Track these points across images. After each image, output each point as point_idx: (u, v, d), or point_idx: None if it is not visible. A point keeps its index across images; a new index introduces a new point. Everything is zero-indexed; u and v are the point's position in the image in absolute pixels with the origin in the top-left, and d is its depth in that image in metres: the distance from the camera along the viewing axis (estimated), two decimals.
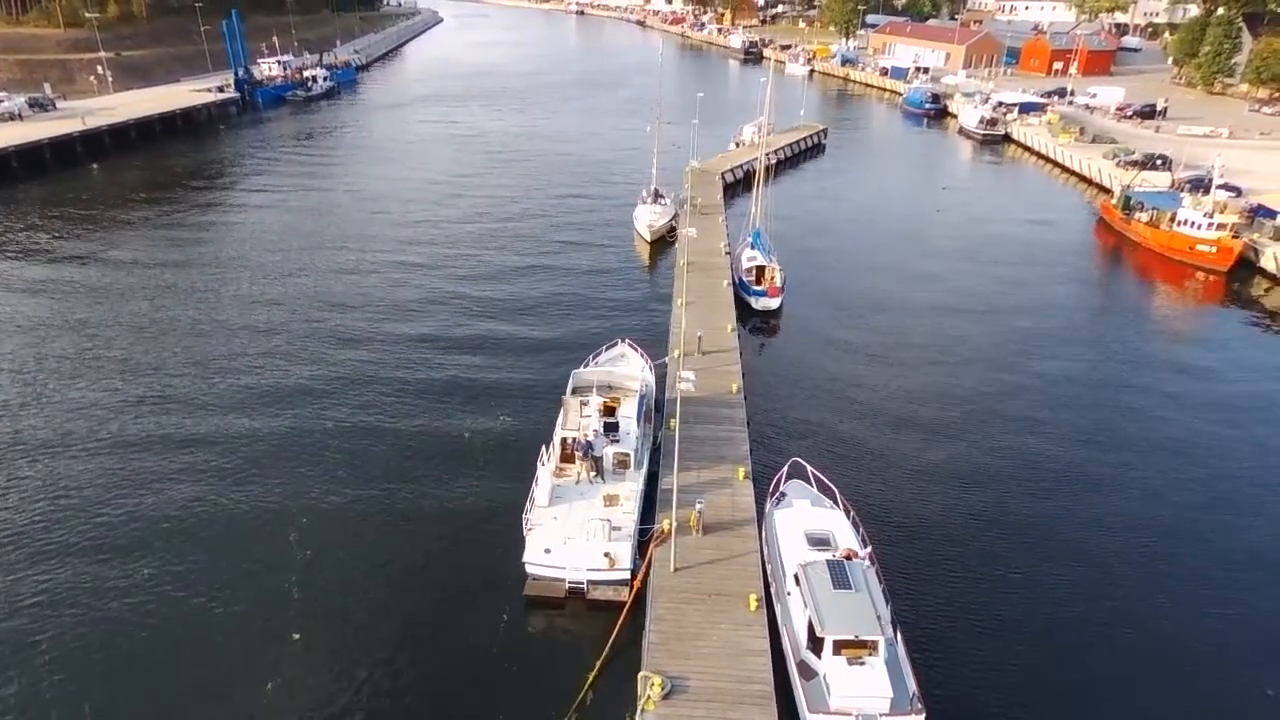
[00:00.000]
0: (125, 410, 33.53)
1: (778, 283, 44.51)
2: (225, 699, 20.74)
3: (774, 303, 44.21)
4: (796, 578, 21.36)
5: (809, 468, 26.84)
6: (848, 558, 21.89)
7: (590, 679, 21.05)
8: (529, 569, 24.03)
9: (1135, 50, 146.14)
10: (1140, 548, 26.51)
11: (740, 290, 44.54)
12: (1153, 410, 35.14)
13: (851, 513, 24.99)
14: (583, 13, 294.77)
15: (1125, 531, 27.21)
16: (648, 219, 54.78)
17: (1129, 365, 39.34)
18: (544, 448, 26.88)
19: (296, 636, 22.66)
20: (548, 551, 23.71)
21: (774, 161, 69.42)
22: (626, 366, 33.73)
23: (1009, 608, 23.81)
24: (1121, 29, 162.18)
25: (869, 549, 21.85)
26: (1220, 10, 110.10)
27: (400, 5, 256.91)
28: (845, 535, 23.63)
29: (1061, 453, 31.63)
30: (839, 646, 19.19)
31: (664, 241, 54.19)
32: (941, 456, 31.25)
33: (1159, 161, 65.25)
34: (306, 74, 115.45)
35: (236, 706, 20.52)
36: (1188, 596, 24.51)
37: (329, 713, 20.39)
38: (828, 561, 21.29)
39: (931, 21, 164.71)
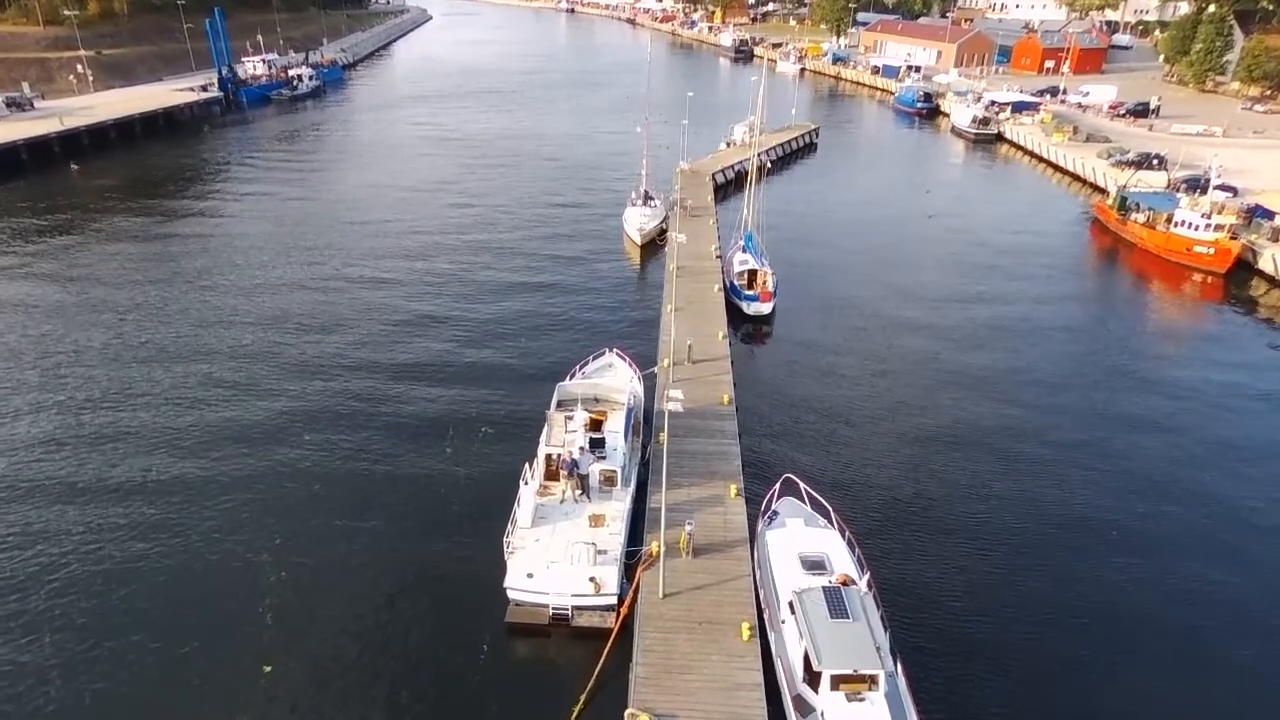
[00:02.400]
0: (88, 429, 32.23)
1: (770, 287, 43.50)
2: None
3: (766, 308, 43.19)
4: (791, 605, 20.34)
5: (802, 484, 25.84)
6: (844, 583, 20.89)
7: (575, 713, 20.00)
8: (511, 594, 22.96)
9: (1126, 48, 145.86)
10: (1150, 566, 25.56)
11: (731, 295, 43.52)
12: (1153, 416, 34.28)
13: (847, 532, 24.02)
14: (573, 11, 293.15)
15: (1134, 550, 26.23)
16: (638, 222, 53.74)
17: (1128, 370, 38.49)
18: (527, 465, 25.77)
19: (268, 669, 21.50)
20: (530, 576, 22.64)
21: (765, 162, 68.46)
22: (614, 377, 32.65)
23: (1016, 635, 22.79)
24: (1112, 27, 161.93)
25: (867, 575, 20.83)
26: (1211, 8, 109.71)
27: (388, 3, 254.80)
28: (841, 557, 22.66)
29: (1063, 463, 30.69)
30: (837, 681, 18.18)
31: (654, 244, 53.15)
32: (937, 470, 30.27)
33: (1155, 161, 64.50)
34: (292, 73, 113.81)
35: None
36: (1200, 616, 23.60)
37: None
38: (824, 588, 20.27)
39: (922, 19, 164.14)
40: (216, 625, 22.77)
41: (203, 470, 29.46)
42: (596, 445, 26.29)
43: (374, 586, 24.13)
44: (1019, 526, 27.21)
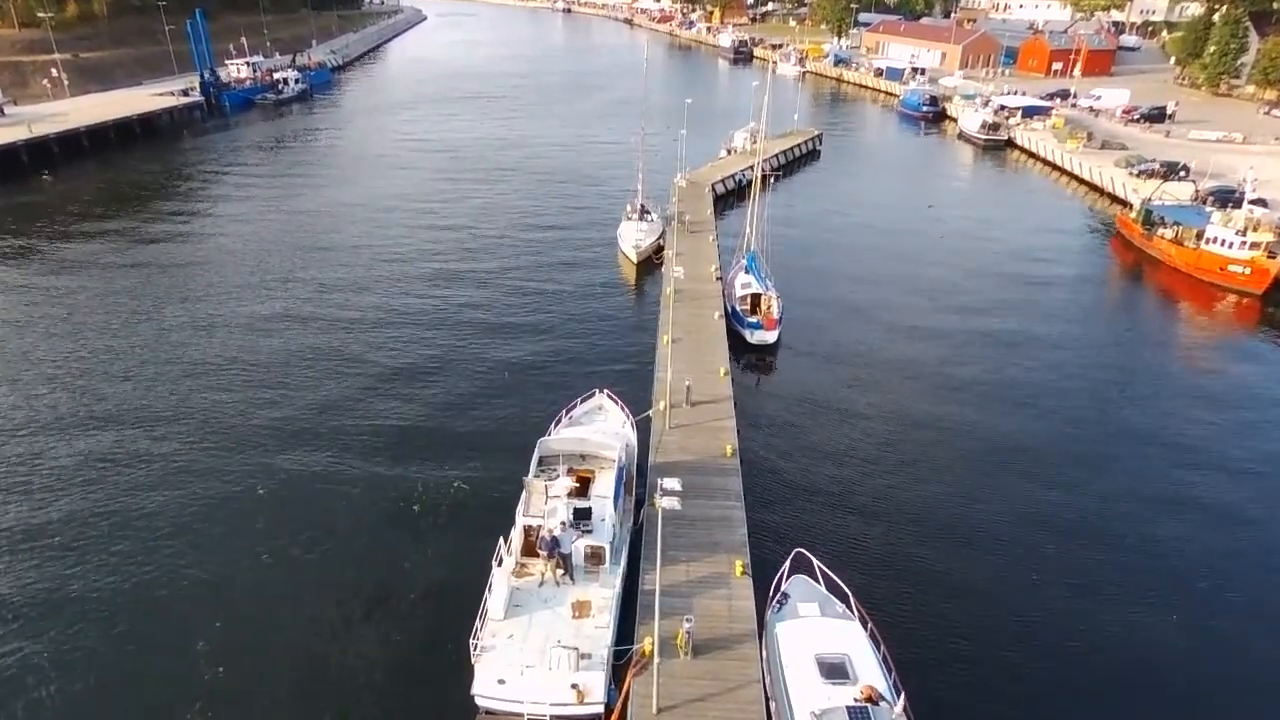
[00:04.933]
0: (40, 465, 28.91)
1: (775, 314, 40.19)
2: None
3: (770, 336, 39.85)
4: None
5: (816, 561, 22.52)
6: (870, 699, 17.58)
7: None
8: (479, 701, 19.63)
9: (1133, 49, 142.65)
10: (1227, 658, 22.31)
11: (733, 321, 40.23)
12: (1191, 454, 31.23)
13: (869, 623, 20.67)
14: (569, 11, 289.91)
15: (1203, 641, 22.94)
16: (633, 238, 50.38)
17: (1160, 401, 35.34)
18: (501, 541, 22.39)
19: None
20: (502, 682, 19.32)
21: (767, 171, 65.12)
22: (605, 422, 29.41)
23: None
24: (1118, 27, 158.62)
25: (902, 697, 17.47)
26: (1224, 8, 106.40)
27: (382, 3, 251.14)
28: (864, 658, 19.28)
29: (1108, 520, 27.39)
30: None
31: (650, 262, 49.86)
32: (968, 535, 26.91)
33: (1182, 172, 61.07)
34: (277, 76, 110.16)
35: None
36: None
37: None
38: (849, 710, 16.98)
39: (925, 20, 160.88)
40: None
41: (132, 541, 26.00)
42: (581, 516, 22.94)
43: (319, 686, 20.77)
44: (1069, 606, 23.82)
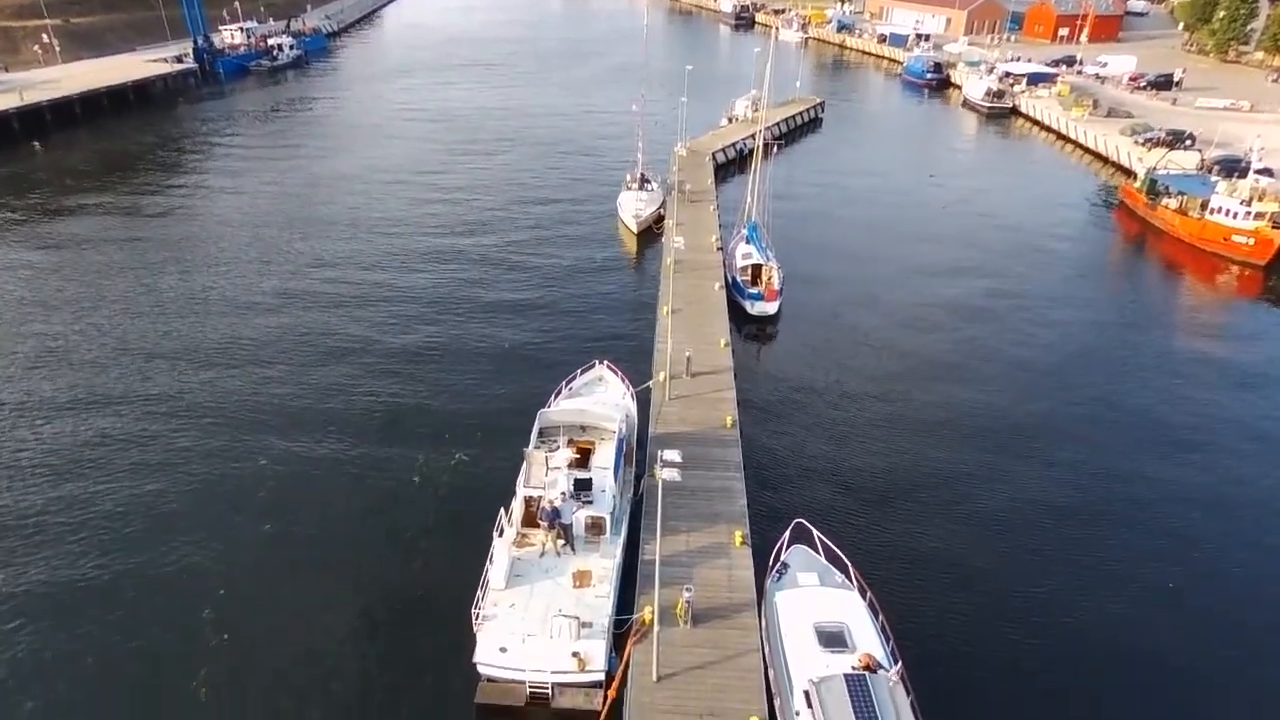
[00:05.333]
0: (38, 442, 28.94)
1: (776, 285, 39.98)
2: None
3: (771, 307, 39.68)
4: (808, 696, 17.22)
5: (815, 532, 22.61)
6: (868, 667, 17.77)
7: None
8: (481, 670, 19.82)
9: (1142, 14, 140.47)
10: (1226, 627, 22.49)
11: (734, 292, 40.04)
12: (1192, 429, 31.19)
13: (868, 593, 20.81)
14: None
15: (1197, 599, 23.14)
16: (634, 208, 49.95)
17: (1162, 376, 35.26)
18: (502, 511, 22.45)
19: None
20: (504, 651, 19.50)
21: (768, 139, 64.40)
22: (604, 394, 29.34)
23: None
24: None
25: (898, 664, 17.64)
26: None
27: None
28: (862, 627, 19.45)
29: (1108, 497, 27.53)
30: None
31: (651, 232, 49.54)
32: (966, 510, 26.99)
33: (1187, 140, 60.39)
34: (271, 42, 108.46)
35: None
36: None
37: None
38: (846, 678, 17.15)
39: None
40: (145, 698, 19.68)
41: (132, 514, 26.10)
42: (582, 487, 23.00)
43: (321, 655, 20.97)
44: (1067, 581, 23.97)
